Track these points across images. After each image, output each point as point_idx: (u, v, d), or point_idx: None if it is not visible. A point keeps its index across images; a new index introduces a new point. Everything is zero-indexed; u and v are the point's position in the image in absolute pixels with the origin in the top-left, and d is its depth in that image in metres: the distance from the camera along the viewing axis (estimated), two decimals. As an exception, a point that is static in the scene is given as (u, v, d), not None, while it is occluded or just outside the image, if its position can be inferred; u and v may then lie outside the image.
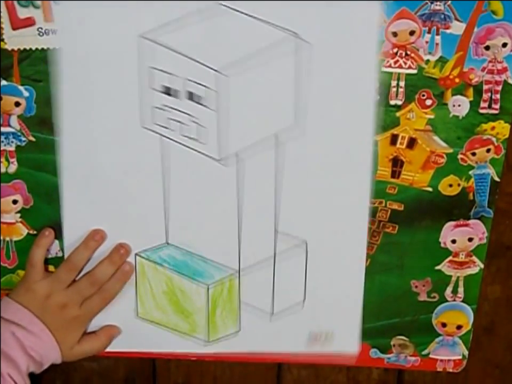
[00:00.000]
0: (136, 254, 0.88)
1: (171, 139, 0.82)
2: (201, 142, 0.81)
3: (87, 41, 0.80)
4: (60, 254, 0.88)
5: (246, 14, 0.78)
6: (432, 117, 0.84)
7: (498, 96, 0.83)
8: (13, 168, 0.85)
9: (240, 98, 0.80)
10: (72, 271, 0.85)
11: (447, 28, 0.80)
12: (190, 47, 0.78)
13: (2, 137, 0.83)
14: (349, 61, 0.81)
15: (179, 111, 0.80)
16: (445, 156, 0.86)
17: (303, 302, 0.92)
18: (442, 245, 0.90)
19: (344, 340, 0.94)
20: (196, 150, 0.82)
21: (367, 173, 0.86)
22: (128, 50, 0.79)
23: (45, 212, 0.87)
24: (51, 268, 0.89)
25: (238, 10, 0.78)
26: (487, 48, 0.81)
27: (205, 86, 0.78)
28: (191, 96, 0.79)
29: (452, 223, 0.89)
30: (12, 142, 0.84)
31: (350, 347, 0.94)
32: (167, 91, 0.80)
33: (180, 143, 0.82)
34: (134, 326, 0.91)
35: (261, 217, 0.87)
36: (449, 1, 0.79)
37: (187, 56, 0.78)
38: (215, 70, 0.77)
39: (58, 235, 0.88)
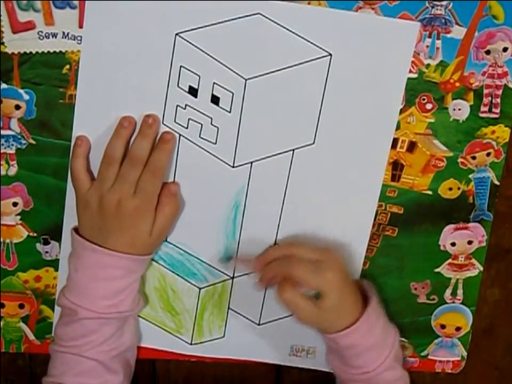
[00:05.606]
0: None
1: (189, 139, 0.82)
2: (218, 147, 0.82)
3: (118, 38, 0.79)
4: (60, 257, 0.88)
5: (285, 28, 0.79)
6: (432, 120, 0.84)
7: (498, 100, 0.83)
8: (13, 170, 0.85)
9: (263, 109, 0.80)
10: (112, 164, 0.80)
11: (448, 32, 0.80)
12: (223, 52, 0.78)
13: (3, 140, 0.83)
14: (380, 80, 0.82)
15: (201, 113, 0.81)
16: (445, 159, 0.86)
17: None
18: (441, 247, 0.90)
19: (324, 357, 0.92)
20: (210, 153, 0.82)
21: (376, 193, 0.87)
22: (164, 47, 0.79)
23: (45, 214, 0.87)
24: (51, 269, 0.89)
25: (277, 23, 0.79)
26: (488, 52, 0.81)
27: (229, 91, 0.79)
28: (215, 99, 0.79)
29: (452, 226, 0.89)
30: (12, 144, 0.84)
31: None
32: (193, 92, 0.80)
33: (197, 145, 0.82)
34: None
35: (263, 227, 0.87)
36: (450, 6, 0.79)
37: (217, 60, 0.78)
38: (239, 75, 0.78)
39: (58, 238, 0.88)
